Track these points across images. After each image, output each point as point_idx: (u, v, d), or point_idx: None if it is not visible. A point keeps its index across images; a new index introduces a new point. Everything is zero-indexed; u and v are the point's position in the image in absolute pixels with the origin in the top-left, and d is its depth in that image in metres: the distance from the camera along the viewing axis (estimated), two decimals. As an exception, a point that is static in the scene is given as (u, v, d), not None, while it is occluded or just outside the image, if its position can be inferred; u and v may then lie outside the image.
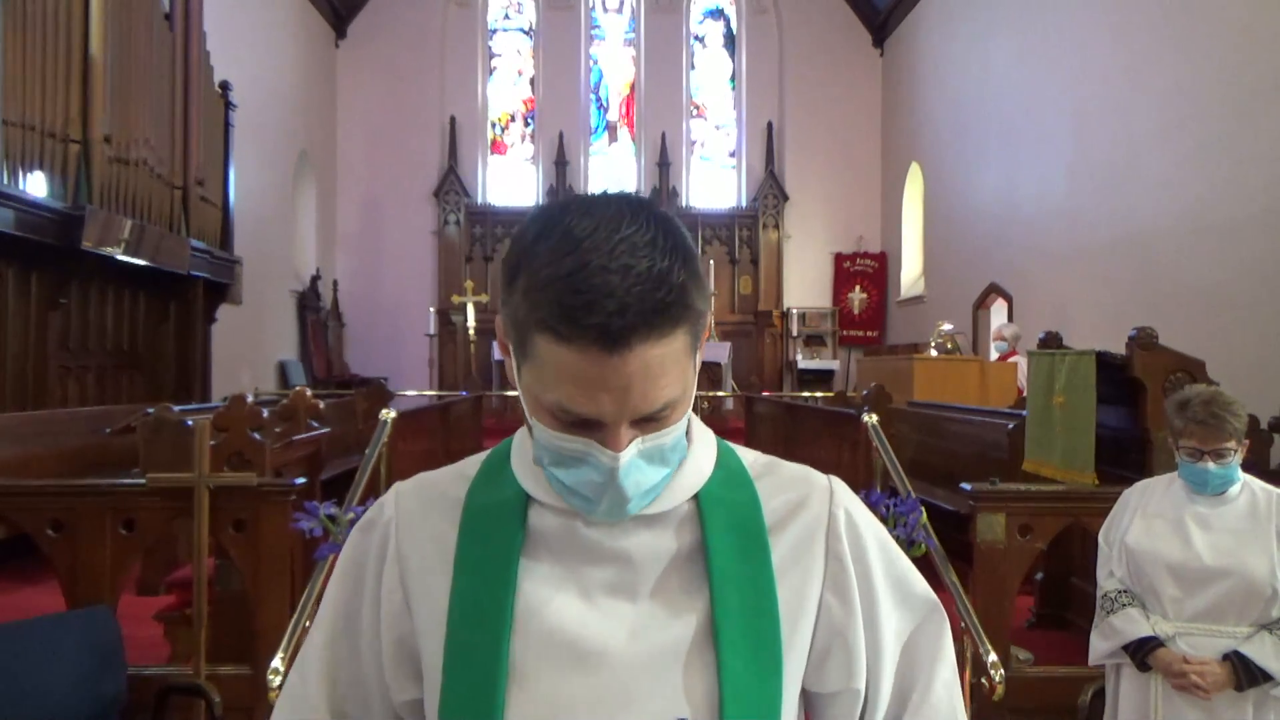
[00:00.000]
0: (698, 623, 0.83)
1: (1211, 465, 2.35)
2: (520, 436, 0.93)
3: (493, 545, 0.86)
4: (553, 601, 0.84)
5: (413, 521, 0.91)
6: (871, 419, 4.66)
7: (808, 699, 0.92)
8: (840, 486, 0.93)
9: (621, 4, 15.14)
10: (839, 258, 14.68)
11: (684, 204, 14.45)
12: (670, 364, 0.77)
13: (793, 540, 0.89)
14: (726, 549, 0.86)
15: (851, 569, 0.89)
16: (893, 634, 0.92)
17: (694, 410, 0.91)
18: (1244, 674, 2.27)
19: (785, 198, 14.58)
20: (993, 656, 3.22)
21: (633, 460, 0.79)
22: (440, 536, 0.89)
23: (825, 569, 0.89)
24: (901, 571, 0.94)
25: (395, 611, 0.89)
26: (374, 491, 4.14)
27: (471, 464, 0.95)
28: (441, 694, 0.83)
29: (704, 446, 0.91)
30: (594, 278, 0.73)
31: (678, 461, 0.84)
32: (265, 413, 4.31)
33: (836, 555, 0.89)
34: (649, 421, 0.79)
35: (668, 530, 0.86)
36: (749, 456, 0.94)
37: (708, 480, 0.89)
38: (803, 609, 0.88)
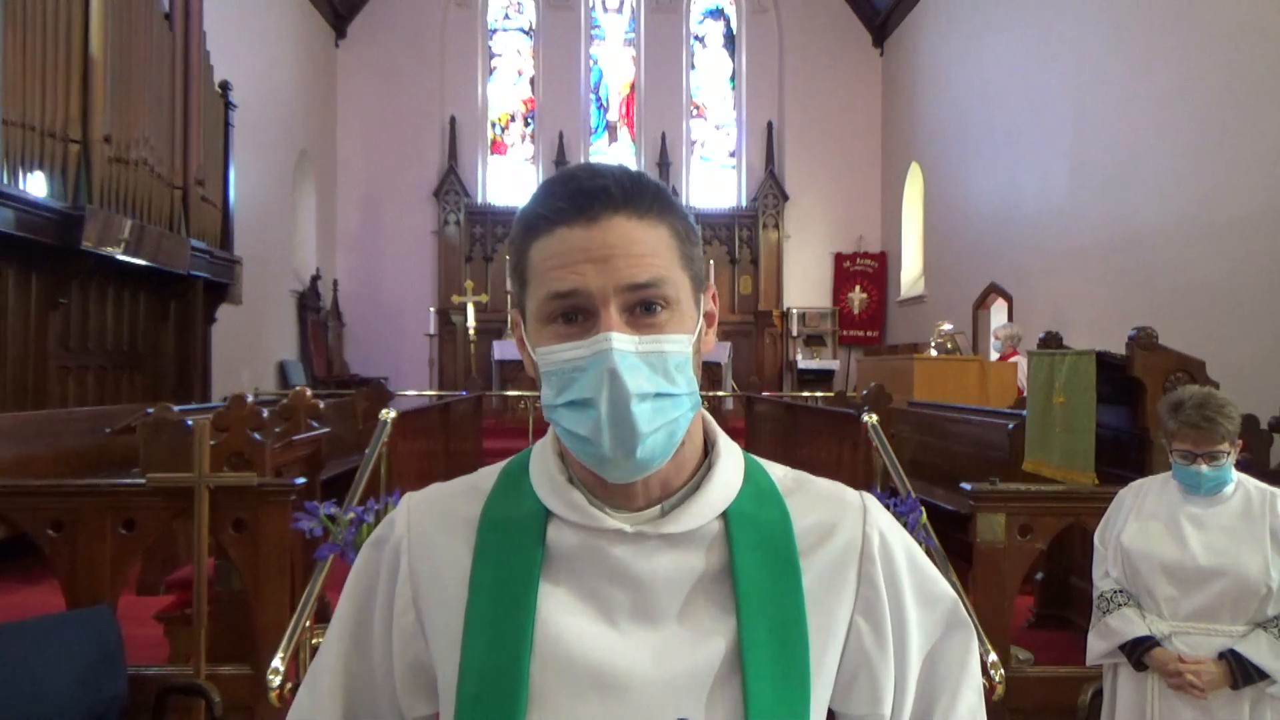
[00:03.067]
0: (724, 647, 0.81)
1: (1205, 468, 2.35)
2: (538, 449, 0.89)
3: (510, 565, 0.83)
4: (574, 625, 0.81)
5: (425, 539, 0.88)
6: (871, 419, 4.66)
7: (830, 717, 0.91)
8: (873, 505, 0.91)
9: (621, 4, 15.14)
10: (839, 258, 14.68)
11: (684, 204, 14.40)
12: (656, 246, 0.80)
13: (825, 562, 0.86)
14: (755, 570, 0.83)
15: (884, 593, 0.87)
16: (918, 654, 0.89)
17: None
18: (1239, 673, 2.27)
19: (785, 198, 14.58)
20: (993, 656, 3.22)
21: (628, 353, 0.77)
22: (455, 555, 0.86)
23: (857, 593, 0.86)
24: (932, 592, 0.91)
25: (407, 631, 0.87)
26: (374, 491, 4.14)
27: (487, 476, 0.91)
28: (456, 718, 0.81)
29: (731, 461, 0.88)
30: (570, 171, 0.83)
31: (686, 393, 0.80)
32: (265, 413, 4.31)
33: (869, 579, 0.86)
34: (644, 313, 0.79)
35: (694, 550, 0.83)
36: (778, 472, 0.91)
37: (736, 497, 0.86)
38: (832, 634, 0.85)
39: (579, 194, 0.80)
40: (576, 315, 0.79)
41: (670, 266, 0.81)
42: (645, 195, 0.81)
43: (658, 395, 0.78)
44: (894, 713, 0.88)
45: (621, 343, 0.77)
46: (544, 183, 0.84)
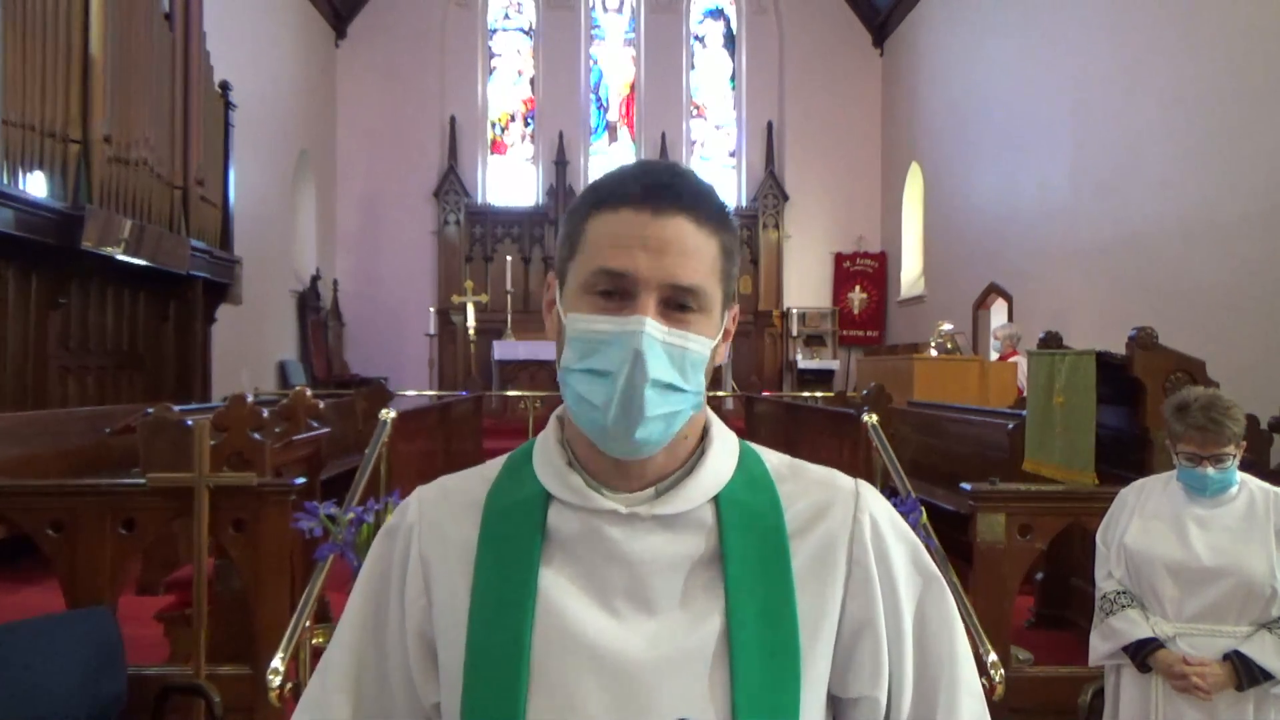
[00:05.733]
0: (715, 629, 0.83)
1: (1211, 470, 2.35)
2: (540, 438, 0.93)
3: (513, 546, 0.87)
4: (572, 604, 0.84)
5: (434, 525, 0.92)
6: (871, 419, 4.66)
7: (830, 702, 0.91)
8: (867, 490, 0.92)
9: (621, 4, 15.14)
10: (839, 258, 14.68)
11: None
12: (703, 257, 0.84)
13: (815, 546, 0.88)
14: (745, 554, 0.85)
15: (876, 576, 0.88)
16: (911, 633, 0.90)
17: None
18: (1244, 674, 2.27)
19: (785, 198, 14.58)
20: (993, 656, 3.22)
21: (656, 341, 0.81)
22: (462, 539, 0.90)
23: (849, 576, 0.88)
24: (926, 575, 0.92)
25: (420, 616, 0.90)
26: (374, 491, 4.14)
27: (492, 466, 0.96)
28: (463, 695, 0.84)
29: (725, 448, 0.91)
30: (649, 164, 0.87)
31: (694, 392, 0.85)
32: (265, 413, 4.31)
33: (860, 562, 0.88)
34: (677, 310, 0.83)
35: (687, 533, 0.86)
36: (773, 459, 0.94)
37: (728, 482, 0.89)
38: (824, 615, 0.86)
39: (654, 185, 0.84)
40: (615, 294, 0.83)
41: (710, 277, 0.85)
42: (710, 206, 0.86)
43: (669, 386, 0.82)
44: (893, 693, 0.89)
45: (653, 329, 0.81)
46: (622, 166, 0.89)
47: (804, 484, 0.91)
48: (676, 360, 0.83)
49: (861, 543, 0.88)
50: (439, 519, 0.92)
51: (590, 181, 0.90)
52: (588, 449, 0.87)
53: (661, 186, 0.84)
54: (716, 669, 0.82)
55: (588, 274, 0.84)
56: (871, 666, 0.88)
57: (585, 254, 0.85)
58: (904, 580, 0.90)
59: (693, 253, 0.83)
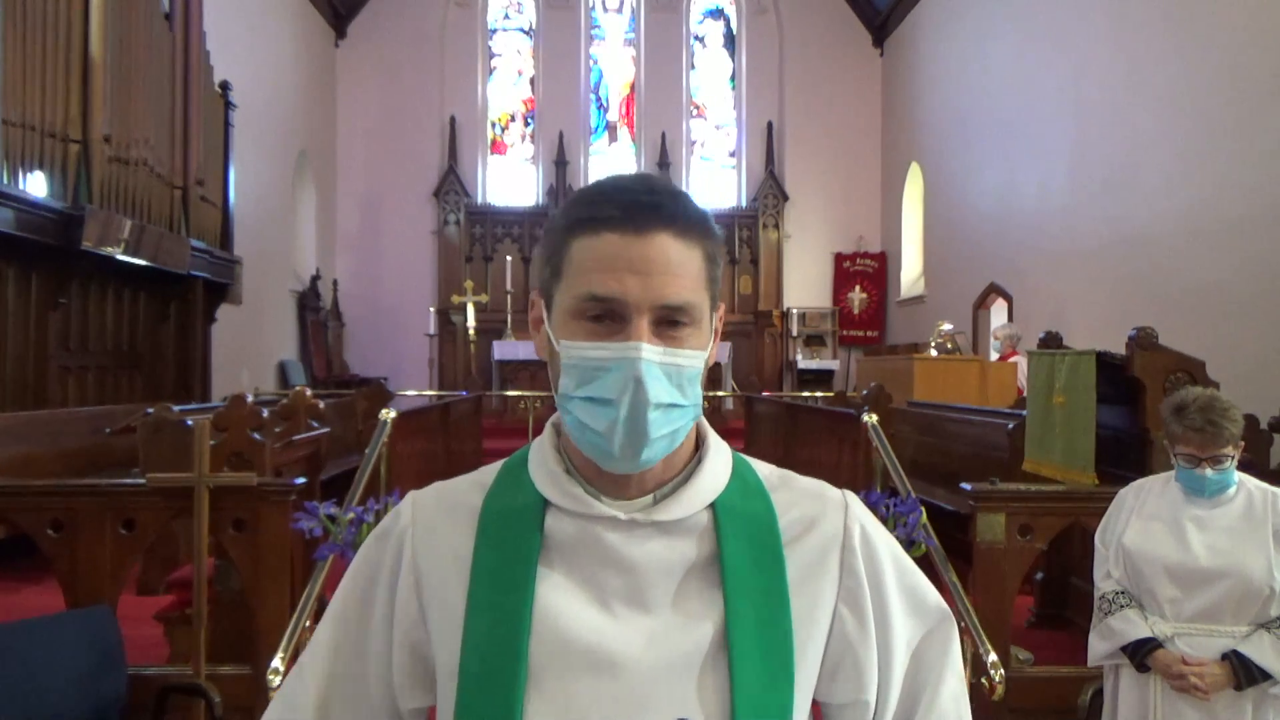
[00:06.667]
0: (712, 631, 0.84)
1: (1209, 471, 2.35)
2: (536, 444, 0.94)
3: (510, 551, 0.87)
4: (570, 608, 0.85)
5: (429, 530, 0.92)
6: (871, 419, 4.66)
7: (817, 707, 0.93)
8: (855, 501, 0.95)
9: (621, 4, 15.13)
10: (839, 258, 14.68)
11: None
12: (689, 270, 0.84)
13: (807, 553, 0.90)
14: (741, 559, 0.87)
15: (865, 583, 0.90)
16: (904, 645, 0.93)
17: None
18: (1243, 673, 2.27)
19: (785, 198, 14.58)
20: (993, 656, 3.22)
21: (653, 364, 0.81)
22: (457, 544, 0.90)
23: (839, 583, 0.90)
24: (914, 584, 0.95)
25: (410, 620, 0.90)
26: (374, 491, 4.14)
27: (488, 472, 0.96)
28: (458, 699, 0.84)
29: (719, 457, 0.93)
30: (623, 181, 0.87)
31: (692, 404, 0.85)
32: (265, 413, 4.31)
33: (851, 569, 0.90)
34: (669, 326, 0.83)
35: (683, 538, 0.88)
36: (764, 469, 0.96)
37: (724, 490, 0.90)
38: (816, 622, 0.89)
39: (634, 205, 0.83)
40: (606, 317, 0.83)
41: (697, 289, 0.85)
42: (690, 218, 0.85)
43: (671, 405, 0.83)
44: (879, 705, 0.91)
45: (650, 353, 0.81)
46: (598, 184, 0.88)
47: (795, 494, 0.94)
48: (674, 378, 0.83)
49: (851, 550, 0.91)
50: (434, 524, 0.92)
51: (568, 197, 0.89)
52: (584, 457, 0.88)
53: (640, 205, 0.83)
54: (713, 670, 0.83)
55: (576, 299, 0.84)
56: (860, 672, 0.90)
57: (570, 277, 0.85)
58: (893, 587, 0.92)
59: (679, 269, 0.83)
